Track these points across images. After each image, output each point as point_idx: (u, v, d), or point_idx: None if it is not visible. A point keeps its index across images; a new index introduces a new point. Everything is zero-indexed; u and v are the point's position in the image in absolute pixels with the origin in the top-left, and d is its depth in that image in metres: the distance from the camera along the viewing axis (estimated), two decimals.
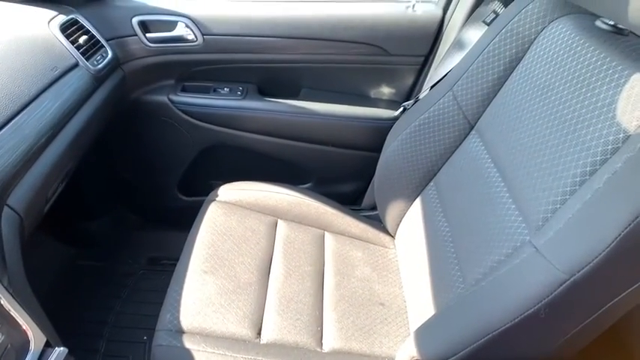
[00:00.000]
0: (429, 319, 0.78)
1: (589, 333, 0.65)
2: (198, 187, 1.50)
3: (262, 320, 0.99)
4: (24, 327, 0.67)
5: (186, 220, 1.19)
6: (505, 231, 0.76)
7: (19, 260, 0.76)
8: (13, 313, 0.66)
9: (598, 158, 0.61)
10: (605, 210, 0.54)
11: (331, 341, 0.99)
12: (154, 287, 1.54)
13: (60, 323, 0.82)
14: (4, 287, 0.66)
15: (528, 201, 0.73)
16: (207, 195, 1.25)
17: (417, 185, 1.12)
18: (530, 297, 0.56)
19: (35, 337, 0.68)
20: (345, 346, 0.98)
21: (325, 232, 1.24)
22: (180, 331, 0.92)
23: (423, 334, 0.74)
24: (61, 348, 0.70)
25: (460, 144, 1.02)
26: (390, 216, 1.22)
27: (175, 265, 1.07)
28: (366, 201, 1.37)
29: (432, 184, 1.10)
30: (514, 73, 0.88)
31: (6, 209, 0.77)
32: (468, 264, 0.84)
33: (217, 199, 1.24)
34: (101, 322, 1.41)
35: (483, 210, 0.85)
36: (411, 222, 1.16)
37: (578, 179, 0.63)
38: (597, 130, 0.63)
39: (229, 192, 1.26)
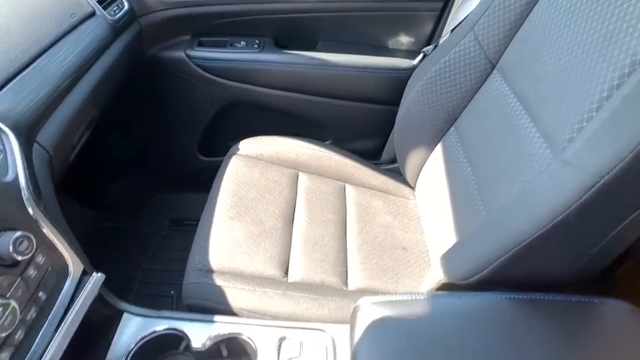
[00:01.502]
0: (454, 244, 0.80)
1: (614, 248, 0.66)
2: (218, 147, 1.52)
3: (289, 261, 1.02)
4: (63, 253, 0.70)
5: (206, 181, 1.21)
6: (529, 158, 0.76)
7: (52, 195, 0.79)
8: (52, 238, 0.69)
9: (626, 70, 0.61)
10: (633, 113, 0.54)
11: (356, 280, 1.01)
12: (179, 246, 1.58)
13: None
14: (42, 213, 0.68)
15: (554, 126, 0.73)
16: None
17: (438, 131, 1.13)
18: (560, 204, 0.57)
19: (74, 263, 0.72)
20: (370, 285, 1.01)
21: (346, 185, 1.26)
22: (210, 271, 0.95)
23: (449, 257, 0.76)
24: (99, 274, 0.73)
25: (482, 85, 1.02)
26: (410, 166, 1.23)
27: (197, 225, 1.10)
28: (385, 155, 1.38)
29: (452, 129, 1.10)
30: (537, 5, 0.87)
31: (36, 146, 0.80)
32: (490, 196, 0.86)
33: (238, 152, 1.26)
34: (129, 279, 1.46)
35: (506, 143, 0.85)
36: (431, 170, 1.17)
37: (605, 94, 0.63)
38: (626, 44, 0.63)
39: (250, 146, 1.28)
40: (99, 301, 0.80)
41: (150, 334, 0.80)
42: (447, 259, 0.76)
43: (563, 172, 0.59)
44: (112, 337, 0.79)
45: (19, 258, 0.59)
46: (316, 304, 0.90)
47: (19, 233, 0.60)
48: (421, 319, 0.64)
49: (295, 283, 0.97)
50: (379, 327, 0.63)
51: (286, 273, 0.99)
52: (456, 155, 1.04)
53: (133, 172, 1.70)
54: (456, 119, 1.09)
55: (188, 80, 1.38)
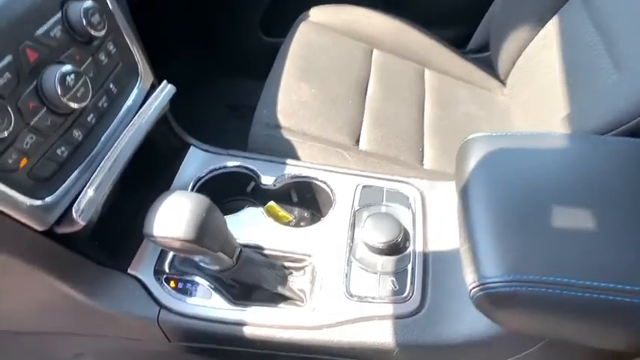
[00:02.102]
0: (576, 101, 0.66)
1: None
2: (283, 25, 1.38)
3: (360, 131, 0.91)
4: (134, 54, 0.62)
5: (268, 65, 1.09)
6: None
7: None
8: (124, 32, 0.60)
9: None
10: None
11: (433, 162, 0.90)
12: (238, 130, 1.49)
13: None
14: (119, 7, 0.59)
15: None
16: None
17: (549, 8, 0.95)
18: None
19: (144, 69, 0.63)
20: (448, 169, 0.90)
21: (425, 69, 1.11)
22: (278, 126, 0.86)
23: (579, 108, 0.63)
24: (170, 85, 0.64)
25: None
26: (504, 55, 1.07)
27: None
28: (474, 43, 1.21)
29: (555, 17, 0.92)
30: None
31: None
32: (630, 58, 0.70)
33: (308, 19, 1.13)
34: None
35: None
36: (530, 59, 1.00)
37: None
38: None
39: (321, 13, 1.14)
40: (166, 126, 0.72)
41: (220, 168, 0.72)
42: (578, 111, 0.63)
43: None
44: (178, 168, 0.72)
45: (92, 32, 0.51)
46: (394, 172, 0.80)
47: (90, 3, 0.51)
48: (550, 156, 0.52)
49: (368, 152, 0.87)
50: (500, 162, 0.52)
51: (357, 142, 0.89)
52: (579, 27, 0.87)
53: (193, 52, 1.59)
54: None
55: None
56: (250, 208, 0.68)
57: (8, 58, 0.43)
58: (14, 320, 0.64)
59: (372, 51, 1.10)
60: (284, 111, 0.89)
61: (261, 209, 0.68)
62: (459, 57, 1.14)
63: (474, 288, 0.45)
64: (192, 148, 0.76)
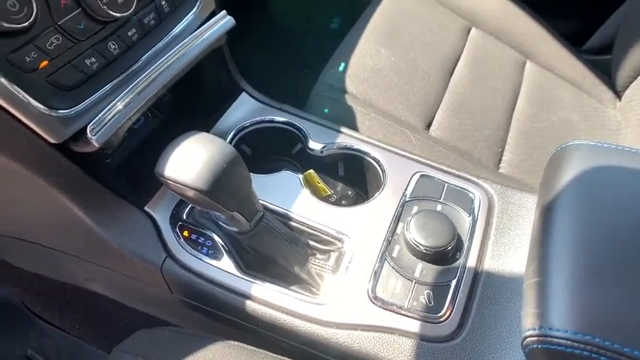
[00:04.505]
0: None
1: None
2: None
3: (435, 115, 0.79)
4: None
5: None
6: None
7: None
8: None
9: None
10: None
11: (511, 167, 0.77)
12: (303, 88, 1.41)
13: None
14: None
15: None
16: None
17: None
18: None
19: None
20: (526, 179, 0.76)
21: (527, 61, 0.95)
22: (343, 90, 0.77)
23: None
24: (229, 16, 0.57)
25: None
26: (628, 62, 0.88)
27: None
28: (594, 42, 1.02)
29: None
30: None
31: None
32: None
33: None
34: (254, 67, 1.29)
35: None
36: None
37: None
38: None
39: None
40: (219, 63, 0.65)
41: (267, 121, 0.65)
42: None
43: None
44: (223, 112, 0.66)
45: None
46: (463, 168, 0.68)
47: None
48: None
49: (438, 139, 0.75)
50: (604, 182, 0.39)
51: (428, 126, 0.78)
52: None
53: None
54: None
55: None
56: (289, 172, 0.60)
57: None
58: (30, 231, 0.63)
59: (470, 29, 0.96)
60: (354, 75, 0.79)
61: (300, 176, 0.60)
62: (570, 54, 0.96)
63: (531, 336, 0.34)
64: (244, 93, 0.69)
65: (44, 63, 0.41)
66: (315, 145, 0.62)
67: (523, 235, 0.55)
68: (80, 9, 0.42)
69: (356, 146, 0.61)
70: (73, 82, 0.44)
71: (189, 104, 0.68)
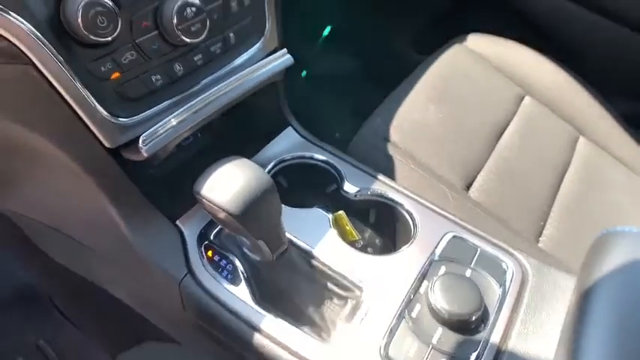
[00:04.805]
0: None
1: None
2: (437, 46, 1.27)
3: (476, 177, 0.77)
4: (267, 17, 0.58)
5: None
6: None
7: None
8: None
9: None
10: None
11: (551, 244, 0.73)
12: (350, 130, 1.43)
13: None
14: None
15: None
16: None
17: None
18: None
19: (270, 35, 0.59)
20: (567, 259, 0.72)
21: (580, 137, 0.92)
22: (386, 139, 0.77)
23: None
24: (289, 55, 0.60)
25: None
26: None
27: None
28: None
29: None
30: None
31: None
32: None
33: (463, 43, 1.01)
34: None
35: None
36: None
37: None
38: None
39: (479, 41, 1.01)
40: (273, 96, 0.68)
41: (307, 157, 0.66)
42: None
43: None
44: (267, 142, 0.68)
45: None
46: (499, 237, 0.65)
47: None
48: None
49: (477, 202, 0.73)
50: None
51: (468, 187, 0.76)
52: None
53: (337, 46, 1.57)
54: None
55: None
56: (319, 209, 0.60)
57: None
58: (65, 223, 0.66)
59: (523, 97, 0.95)
60: (399, 126, 0.80)
61: (330, 215, 0.60)
62: (628, 135, 0.93)
63: None
64: (290, 127, 0.71)
65: (116, 74, 0.45)
66: (349, 188, 0.62)
67: (555, 317, 0.52)
68: (157, 31, 0.46)
69: (390, 195, 0.61)
70: (137, 94, 0.48)
71: (238, 129, 0.71)
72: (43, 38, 0.38)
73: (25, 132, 0.45)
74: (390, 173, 0.70)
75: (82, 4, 0.39)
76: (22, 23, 0.37)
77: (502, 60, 0.99)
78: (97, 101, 0.44)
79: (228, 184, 0.44)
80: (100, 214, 0.54)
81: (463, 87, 0.90)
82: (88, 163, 0.48)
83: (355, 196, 0.62)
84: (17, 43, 0.38)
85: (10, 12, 0.36)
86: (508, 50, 1.01)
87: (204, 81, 0.54)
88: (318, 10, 1.43)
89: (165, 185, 0.63)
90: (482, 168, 0.79)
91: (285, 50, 0.60)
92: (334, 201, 0.64)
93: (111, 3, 0.40)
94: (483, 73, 0.95)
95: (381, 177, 0.63)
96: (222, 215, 0.44)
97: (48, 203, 0.66)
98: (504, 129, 0.87)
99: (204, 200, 0.44)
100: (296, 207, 0.61)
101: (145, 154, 0.48)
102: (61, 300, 0.96)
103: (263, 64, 0.57)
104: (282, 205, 0.50)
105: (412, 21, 1.38)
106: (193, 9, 0.46)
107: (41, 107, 0.43)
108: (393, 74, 1.13)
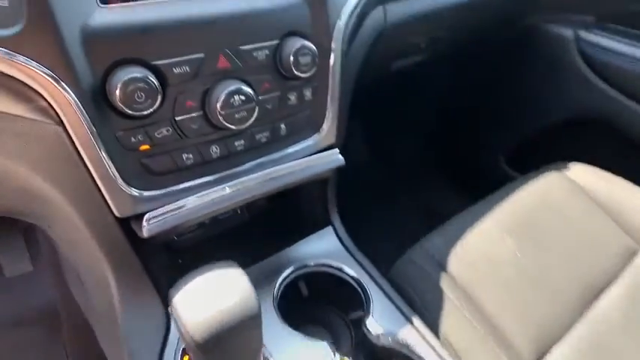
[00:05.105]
0: None
1: None
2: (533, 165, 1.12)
3: (551, 348, 0.59)
4: (327, 106, 0.53)
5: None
6: None
7: None
8: (330, 82, 0.52)
9: None
10: None
11: None
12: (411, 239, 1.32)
13: None
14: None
15: None
16: None
17: None
18: None
19: (328, 132, 0.53)
20: None
21: None
22: (441, 266, 0.63)
23: None
24: (340, 156, 0.52)
25: None
26: None
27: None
28: None
29: None
30: None
31: None
32: None
33: (564, 171, 0.85)
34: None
35: None
36: None
37: None
38: None
39: (585, 173, 0.85)
40: (319, 194, 0.61)
41: (332, 266, 0.56)
42: None
43: None
44: (304, 236, 0.61)
45: (295, 70, 0.45)
46: None
47: (307, 44, 0.45)
48: None
49: None
50: None
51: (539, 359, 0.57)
52: None
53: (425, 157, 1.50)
54: None
55: (564, 72, 1.02)
56: (327, 346, 0.47)
57: (198, 56, 0.40)
58: (74, 259, 0.62)
59: (636, 252, 0.75)
60: (461, 255, 0.65)
61: (338, 358, 0.46)
62: None
63: None
64: (330, 227, 0.62)
65: (145, 147, 0.41)
66: (372, 326, 0.49)
67: None
68: (202, 112, 0.43)
69: (423, 355, 0.46)
70: (162, 170, 0.44)
71: (277, 215, 0.64)
72: (82, 108, 0.37)
73: (44, 184, 0.43)
74: (434, 316, 0.55)
75: (125, 79, 0.36)
76: (68, 93, 0.36)
77: (610, 199, 0.81)
78: (117, 169, 0.41)
79: (201, 301, 0.34)
80: (99, 273, 0.49)
81: (555, 224, 0.74)
82: (96, 227, 0.45)
83: (378, 338, 0.48)
84: (57, 108, 0.37)
85: (60, 81, 0.36)
86: (620, 189, 0.83)
87: (239, 169, 0.48)
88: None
89: (180, 257, 0.57)
90: (563, 338, 0.60)
91: (337, 150, 0.53)
92: (355, 329, 0.51)
93: (156, 82, 0.38)
94: (586, 212, 0.78)
95: (417, 321, 0.49)
96: (182, 336, 0.34)
97: (59, 236, 0.63)
98: (603, 290, 0.67)
99: (173, 310, 0.35)
100: (312, 322, 0.49)
101: (145, 234, 0.42)
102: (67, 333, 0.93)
103: (312, 160, 0.51)
104: (285, 325, 0.42)
105: (512, 135, 1.25)
106: (241, 97, 0.42)
107: (61, 163, 0.41)
108: (480, 186, 1.00)
